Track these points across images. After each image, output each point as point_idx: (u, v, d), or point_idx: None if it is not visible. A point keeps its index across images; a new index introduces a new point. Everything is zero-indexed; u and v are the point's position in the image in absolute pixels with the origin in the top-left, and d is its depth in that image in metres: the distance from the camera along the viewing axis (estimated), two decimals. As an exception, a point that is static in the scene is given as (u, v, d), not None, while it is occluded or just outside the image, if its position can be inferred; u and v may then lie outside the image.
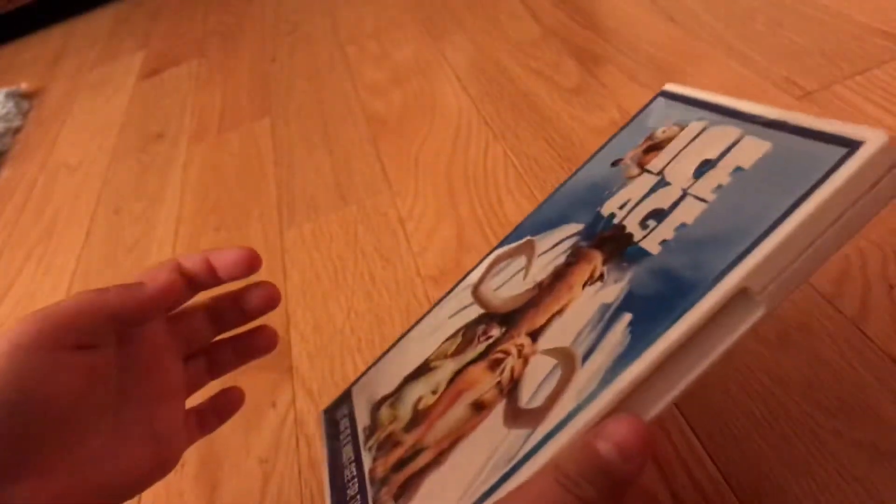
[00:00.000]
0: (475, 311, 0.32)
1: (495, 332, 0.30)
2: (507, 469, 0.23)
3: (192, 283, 0.31)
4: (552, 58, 0.76)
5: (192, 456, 0.47)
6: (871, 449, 0.34)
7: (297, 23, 1.13)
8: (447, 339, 0.32)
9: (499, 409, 0.26)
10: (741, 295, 0.22)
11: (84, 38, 1.46)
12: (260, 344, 0.34)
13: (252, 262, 0.31)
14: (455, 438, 0.27)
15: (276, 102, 0.91)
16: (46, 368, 0.24)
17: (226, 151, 0.84)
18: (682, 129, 0.30)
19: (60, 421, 0.25)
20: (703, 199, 0.26)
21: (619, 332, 0.24)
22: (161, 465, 0.30)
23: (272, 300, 0.33)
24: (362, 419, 0.33)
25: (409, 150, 0.71)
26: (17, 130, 1.13)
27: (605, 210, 0.30)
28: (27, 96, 1.23)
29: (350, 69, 0.91)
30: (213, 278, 0.31)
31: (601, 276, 0.27)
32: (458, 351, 0.31)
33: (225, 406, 0.35)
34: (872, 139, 0.22)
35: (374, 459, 0.30)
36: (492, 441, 0.25)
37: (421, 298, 0.53)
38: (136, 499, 0.35)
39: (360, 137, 0.76)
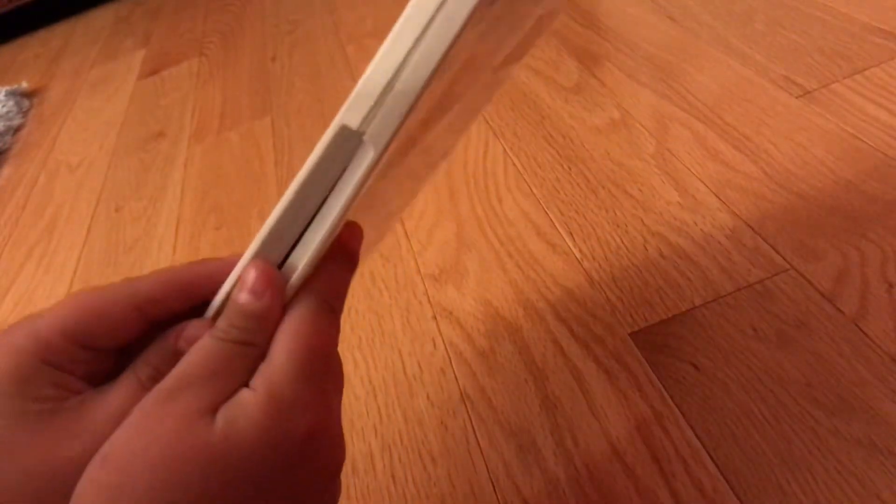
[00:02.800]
0: None
1: None
2: None
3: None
4: (552, 57, 0.76)
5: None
6: (870, 447, 0.34)
7: (298, 22, 1.13)
8: None
9: None
10: (348, 136, 0.22)
11: (85, 37, 1.46)
12: None
13: None
14: None
15: (277, 101, 0.91)
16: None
17: (226, 150, 0.84)
18: None
19: None
20: None
21: None
22: None
23: None
24: None
25: (409, 148, 0.71)
26: (17, 129, 1.13)
27: None
28: (28, 95, 1.23)
29: (350, 68, 0.91)
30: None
31: None
32: None
33: None
34: None
35: None
36: None
37: (421, 297, 0.53)
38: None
39: (360, 136, 0.76)
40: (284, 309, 0.25)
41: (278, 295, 0.24)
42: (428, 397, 0.45)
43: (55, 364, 0.25)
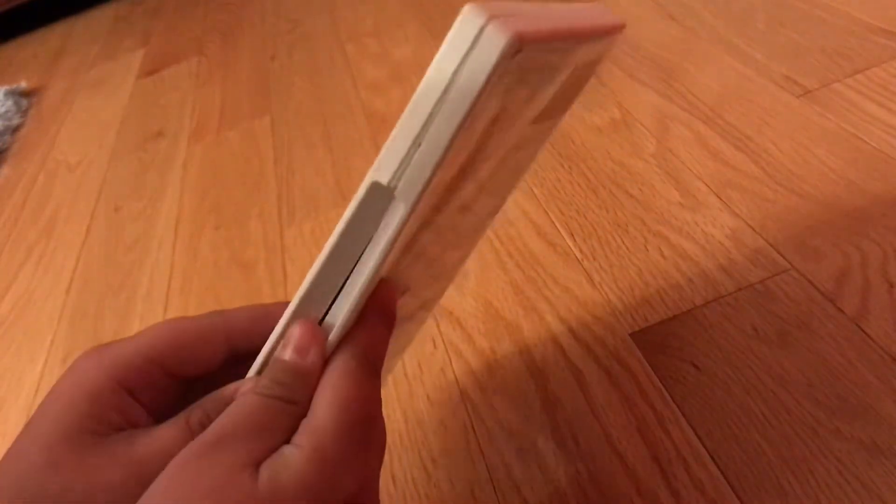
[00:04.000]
0: None
1: None
2: None
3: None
4: (552, 56, 0.76)
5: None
6: (872, 447, 0.34)
7: (297, 21, 1.13)
8: None
9: None
10: (380, 192, 0.23)
11: (84, 36, 1.45)
12: None
13: None
14: None
15: (276, 101, 0.91)
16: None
17: (226, 150, 0.84)
18: None
19: None
20: None
21: None
22: None
23: None
24: None
25: (409, 148, 0.70)
26: (16, 129, 1.13)
27: None
28: (27, 94, 1.23)
29: (350, 67, 0.91)
30: None
31: None
32: None
33: None
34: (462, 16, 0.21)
35: None
36: None
37: (421, 297, 0.53)
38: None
39: (360, 135, 0.76)
40: (325, 366, 0.25)
41: (322, 353, 0.24)
42: (428, 397, 0.45)
43: (130, 388, 0.25)
